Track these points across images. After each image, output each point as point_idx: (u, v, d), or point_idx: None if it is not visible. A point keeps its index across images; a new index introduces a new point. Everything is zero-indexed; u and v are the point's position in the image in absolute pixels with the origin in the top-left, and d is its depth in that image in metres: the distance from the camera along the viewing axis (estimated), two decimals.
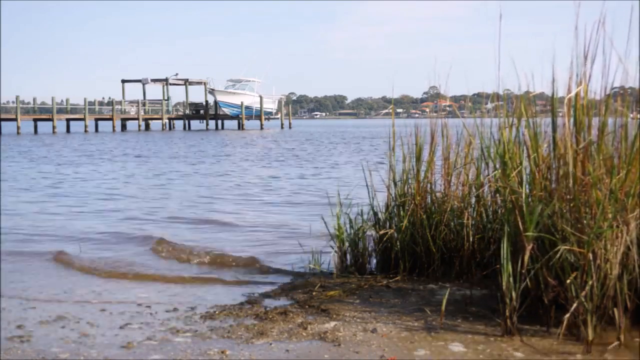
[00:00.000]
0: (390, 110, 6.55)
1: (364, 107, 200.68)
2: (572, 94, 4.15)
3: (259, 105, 60.72)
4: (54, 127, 51.25)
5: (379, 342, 3.94)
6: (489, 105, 5.77)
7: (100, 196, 12.40)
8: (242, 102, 59.75)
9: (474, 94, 6.47)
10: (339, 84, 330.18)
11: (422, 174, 5.45)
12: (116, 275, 6.00)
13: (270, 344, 3.96)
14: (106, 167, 19.61)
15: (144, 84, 61.97)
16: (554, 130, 4.28)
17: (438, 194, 5.44)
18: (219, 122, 62.75)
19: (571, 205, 4.08)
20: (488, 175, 5.07)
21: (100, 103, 64.19)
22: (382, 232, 5.48)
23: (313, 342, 3.98)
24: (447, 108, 6.07)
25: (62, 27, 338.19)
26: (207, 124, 61.32)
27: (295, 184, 14.41)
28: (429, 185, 5.47)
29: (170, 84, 62.38)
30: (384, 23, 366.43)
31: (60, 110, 55.75)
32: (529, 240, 4.06)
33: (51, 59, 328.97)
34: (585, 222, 3.95)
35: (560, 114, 4.26)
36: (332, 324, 4.30)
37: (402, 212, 5.45)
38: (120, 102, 60.25)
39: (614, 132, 4.21)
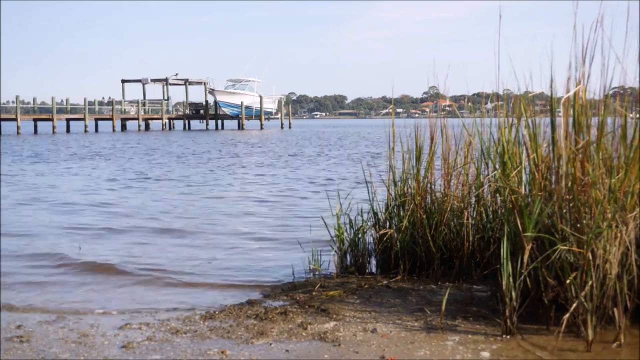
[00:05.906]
0: (390, 110, 6.55)
1: (364, 107, 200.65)
2: (570, 94, 4.15)
3: (258, 105, 60.74)
4: (54, 127, 51.25)
5: (379, 342, 3.94)
6: (489, 105, 5.77)
7: None
8: (242, 102, 59.76)
9: (473, 94, 6.48)
10: (339, 84, 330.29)
11: (422, 174, 5.45)
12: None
13: (270, 344, 3.96)
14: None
15: (143, 84, 61.98)
16: (553, 130, 4.28)
17: (438, 194, 5.44)
18: (219, 122, 62.73)
19: (571, 205, 4.08)
20: (488, 175, 5.07)
21: (100, 103, 64.21)
22: (382, 232, 5.49)
23: (313, 342, 3.99)
24: (447, 108, 6.07)
25: (62, 27, 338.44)
26: (207, 124, 61.32)
27: (296, 183, 14.41)
28: (428, 185, 5.47)
29: (170, 84, 62.38)
30: (388, 26, 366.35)
31: (60, 110, 55.75)
32: (528, 240, 4.06)
33: (51, 59, 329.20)
34: (584, 222, 3.96)
35: (560, 114, 4.26)
36: (332, 324, 4.30)
37: (402, 212, 5.46)
38: (120, 102, 60.25)
39: (613, 132, 4.22)
